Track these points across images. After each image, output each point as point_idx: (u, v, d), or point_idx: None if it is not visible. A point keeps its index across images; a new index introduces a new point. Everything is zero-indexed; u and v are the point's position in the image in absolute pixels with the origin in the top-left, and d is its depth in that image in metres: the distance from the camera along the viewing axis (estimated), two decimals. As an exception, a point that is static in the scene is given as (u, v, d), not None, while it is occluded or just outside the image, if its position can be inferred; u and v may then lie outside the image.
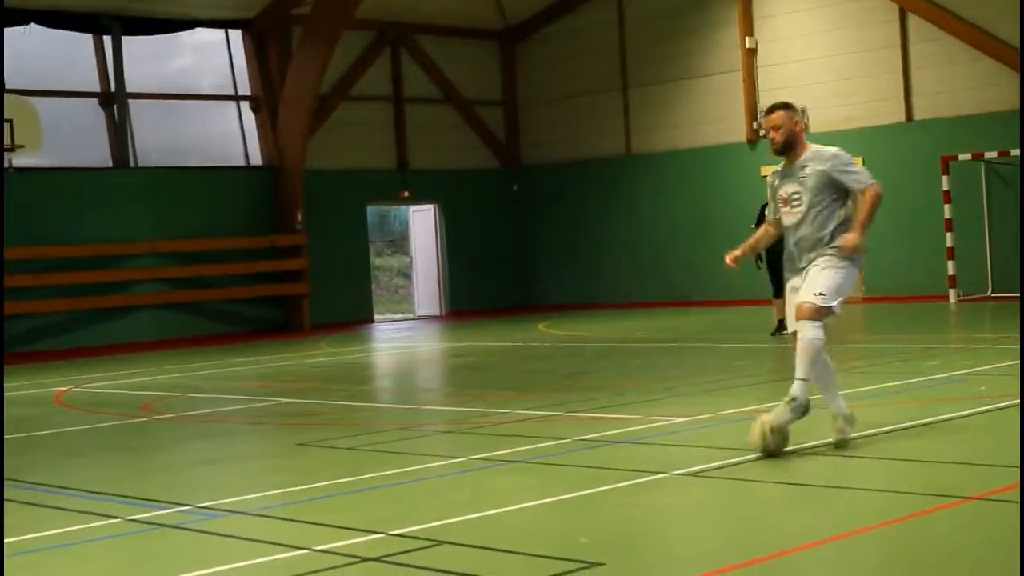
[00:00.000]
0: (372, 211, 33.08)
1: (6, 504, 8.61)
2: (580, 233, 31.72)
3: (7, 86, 24.95)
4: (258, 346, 24.12)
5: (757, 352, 17.22)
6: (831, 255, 8.57)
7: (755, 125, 28.02)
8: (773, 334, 18.77)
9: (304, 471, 9.40)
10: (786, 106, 8.89)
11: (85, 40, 27.07)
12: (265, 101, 28.80)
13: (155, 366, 20.52)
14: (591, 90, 31.46)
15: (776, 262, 18.80)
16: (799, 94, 27.56)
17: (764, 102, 27.93)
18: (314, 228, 28.81)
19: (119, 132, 27.07)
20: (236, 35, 29.05)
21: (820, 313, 8.45)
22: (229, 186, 28.44)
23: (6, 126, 22.40)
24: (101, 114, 27.13)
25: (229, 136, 29.07)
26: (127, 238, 26.61)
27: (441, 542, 6.58)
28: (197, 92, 29.07)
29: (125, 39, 27.12)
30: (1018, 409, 9.36)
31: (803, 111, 9.00)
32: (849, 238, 8.58)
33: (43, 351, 25.07)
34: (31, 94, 24.62)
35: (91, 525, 7.67)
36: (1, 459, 9.18)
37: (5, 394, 17.09)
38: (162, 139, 28.07)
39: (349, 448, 10.26)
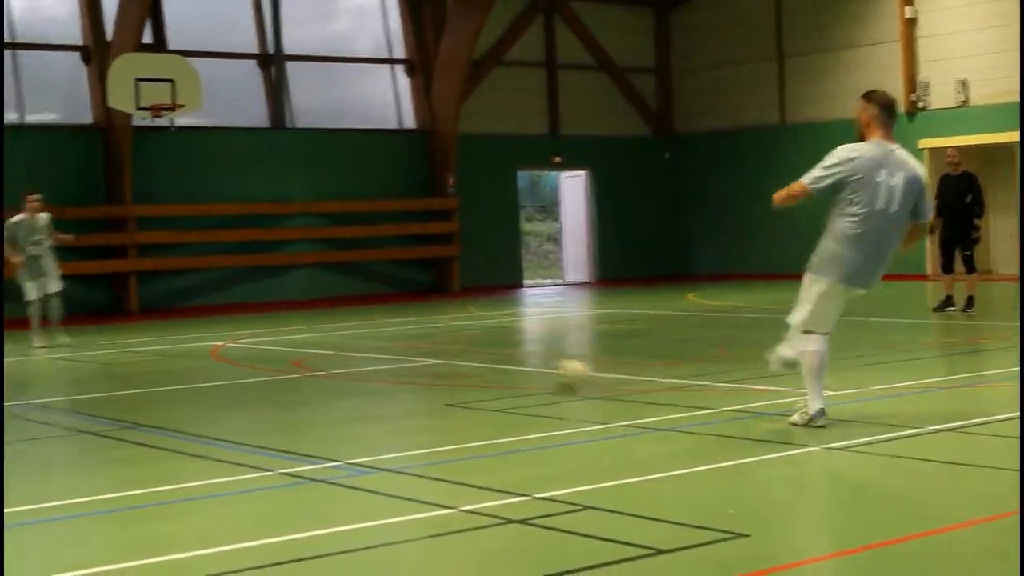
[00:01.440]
0: (523, 176, 33.13)
1: (164, 453, 8.87)
2: (732, 202, 31.38)
3: (170, 47, 25.58)
4: (408, 307, 24.37)
5: (913, 328, 16.90)
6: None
7: (913, 97, 27.43)
8: (935, 309, 18.32)
9: (452, 432, 9.52)
10: (862, 96, 8.61)
11: (244, 2, 27.51)
12: (419, 65, 29.00)
13: (308, 324, 20.87)
14: (746, 59, 31.06)
15: (948, 237, 18.41)
16: (958, 66, 26.94)
17: (923, 73, 27.34)
18: (465, 192, 28.98)
19: (276, 93, 27.51)
20: (392, -1, 29.30)
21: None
22: (382, 149, 28.74)
23: (168, 86, 23.00)
24: (259, 75, 27.58)
25: (383, 99, 29.35)
26: (283, 198, 27.08)
27: (586, 507, 6.61)
28: (353, 55, 29.35)
29: (284, 2, 27.50)
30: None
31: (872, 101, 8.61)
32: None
33: (200, 305, 25.68)
34: (192, 55, 25.11)
35: (244, 476, 7.87)
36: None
37: (165, 346, 17.57)
38: (318, 101, 28.43)
39: (497, 410, 10.34)
